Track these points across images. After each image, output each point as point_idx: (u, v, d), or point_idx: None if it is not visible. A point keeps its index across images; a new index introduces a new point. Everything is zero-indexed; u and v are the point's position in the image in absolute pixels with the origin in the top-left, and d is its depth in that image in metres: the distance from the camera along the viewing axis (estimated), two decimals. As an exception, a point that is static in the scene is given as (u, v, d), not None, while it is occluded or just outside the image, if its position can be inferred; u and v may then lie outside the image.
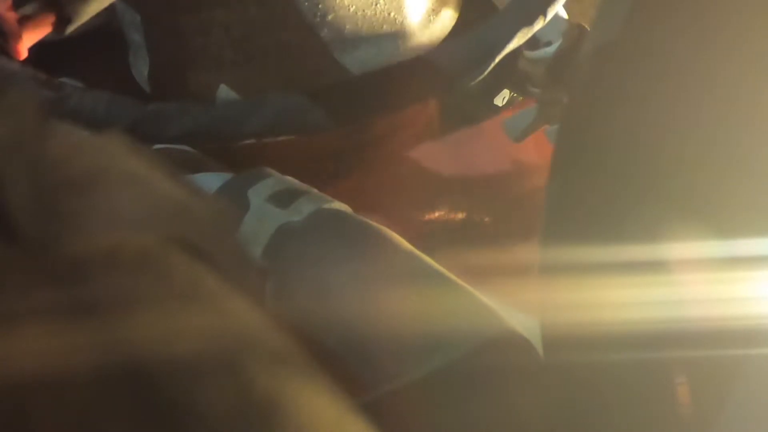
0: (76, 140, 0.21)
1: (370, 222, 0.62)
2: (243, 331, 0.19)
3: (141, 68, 0.84)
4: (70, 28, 0.73)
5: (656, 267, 0.42)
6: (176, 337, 0.18)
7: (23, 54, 0.69)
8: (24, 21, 0.70)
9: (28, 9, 0.70)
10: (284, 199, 0.62)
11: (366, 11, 0.78)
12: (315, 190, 0.64)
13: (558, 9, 0.66)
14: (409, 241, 0.62)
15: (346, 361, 0.56)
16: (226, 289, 0.20)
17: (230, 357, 0.18)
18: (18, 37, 0.69)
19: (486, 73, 0.65)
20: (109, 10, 0.80)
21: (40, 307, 0.18)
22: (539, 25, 0.66)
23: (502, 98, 1.21)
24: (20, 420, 0.16)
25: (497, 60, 0.65)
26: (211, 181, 0.66)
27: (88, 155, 0.21)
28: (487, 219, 0.86)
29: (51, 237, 0.19)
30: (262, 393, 0.18)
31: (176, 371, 0.17)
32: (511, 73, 0.89)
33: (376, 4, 0.78)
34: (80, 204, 0.20)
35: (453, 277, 0.59)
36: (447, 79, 0.65)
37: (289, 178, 0.66)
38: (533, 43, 0.78)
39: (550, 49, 0.78)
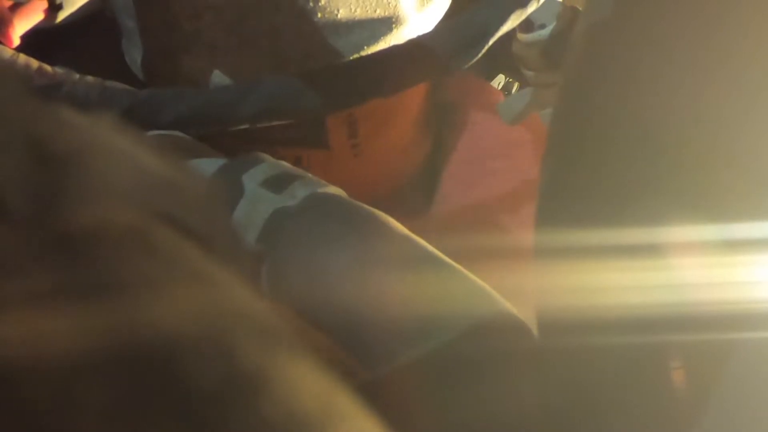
0: (63, 117, 0.21)
1: (365, 206, 0.62)
2: (230, 304, 0.19)
3: (134, 55, 0.84)
4: (62, 15, 0.73)
5: (652, 251, 0.42)
6: (161, 311, 0.18)
7: (15, 41, 0.69)
8: (16, 8, 0.70)
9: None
10: (279, 183, 0.62)
11: (359, -5, 0.78)
12: (309, 175, 0.64)
13: (552, -9, 0.66)
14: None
15: (342, 343, 0.56)
16: (213, 263, 0.20)
17: (216, 329, 0.18)
18: (10, 24, 0.68)
19: (480, 55, 0.65)
20: (102, -4, 0.80)
21: (27, 288, 0.18)
22: (533, 7, 0.66)
23: (497, 83, 1.21)
24: (12, 402, 0.16)
25: (491, 42, 0.65)
26: (205, 166, 0.66)
27: (75, 132, 0.21)
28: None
29: (37, 212, 0.19)
30: (249, 366, 0.18)
31: (161, 345, 0.17)
32: (505, 57, 0.89)
33: (369, -12, 0.78)
34: (67, 179, 0.20)
35: (448, 259, 0.59)
36: (441, 62, 0.64)
37: (284, 162, 0.66)
38: (527, 25, 0.78)
39: (544, 32, 0.78)
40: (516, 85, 1.26)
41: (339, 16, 0.77)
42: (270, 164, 0.65)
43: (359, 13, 0.78)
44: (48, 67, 0.66)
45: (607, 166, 0.44)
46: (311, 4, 0.76)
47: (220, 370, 0.17)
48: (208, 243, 0.21)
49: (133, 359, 0.17)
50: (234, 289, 0.20)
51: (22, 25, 0.69)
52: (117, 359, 0.17)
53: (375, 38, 0.79)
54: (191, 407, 0.17)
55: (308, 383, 0.19)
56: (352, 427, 0.19)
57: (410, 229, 0.61)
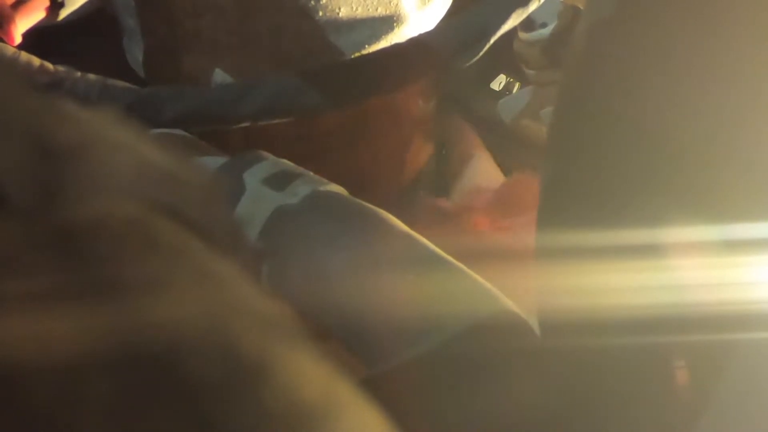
0: (65, 112, 0.21)
1: (366, 204, 0.62)
2: (231, 298, 0.20)
3: (136, 53, 0.84)
4: (64, 14, 0.73)
5: (652, 251, 0.42)
6: (164, 306, 0.18)
7: (17, 39, 0.69)
8: (18, 6, 0.70)
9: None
10: (280, 181, 0.62)
11: (360, -6, 0.78)
12: (310, 173, 0.64)
13: (553, -10, 0.66)
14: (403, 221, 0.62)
15: (343, 341, 0.56)
16: (214, 255, 0.20)
17: (218, 323, 0.18)
18: (12, 21, 0.68)
19: (481, 54, 0.65)
20: (103, -6, 0.80)
21: (29, 285, 0.18)
22: (534, 5, 0.66)
23: (498, 83, 1.21)
24: (14, 399, 0.17)
25: (492, 41, 0.65)
26: (207, 165, 0.66)
27: (77, 126, 0.21)
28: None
29: (40, 205, 0.19)
30: (251, 358, 0.18)
31: (164, 341, 0.17)
32: (506, 56, 0.89)
33: (370, -13, 0.78)
34: (69, 172, 0.20)
35: (449, 258, 0.59)
36: (441, 60, 0.65)
37: (285, 160, 0.66)
38: (528, 24, 0.78)
39: (545, 31, 0.78)
40: (517, 85, 1.26)
41: (340, 14, 0.77)
42: (271, 162, 0.65)
43: (360, 12, 0.78)
44: (49, 65, 0.66)
45: (607, 165, 0.44)
46: (312, 2, 0.76)
47: (222, 363, 0.17)
48: (209, 236, 0.21)
49: (136, 356, 0.17)
50: (235, 282, 0.20)
51: (24, 23, 0.69)
52: (120, 356, 0.17)
53: (376, 37, 0.79)
54: (194, 400, 0.17)
55: (310, 375, 0.19)
56: (353, 418, 0.19)
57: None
